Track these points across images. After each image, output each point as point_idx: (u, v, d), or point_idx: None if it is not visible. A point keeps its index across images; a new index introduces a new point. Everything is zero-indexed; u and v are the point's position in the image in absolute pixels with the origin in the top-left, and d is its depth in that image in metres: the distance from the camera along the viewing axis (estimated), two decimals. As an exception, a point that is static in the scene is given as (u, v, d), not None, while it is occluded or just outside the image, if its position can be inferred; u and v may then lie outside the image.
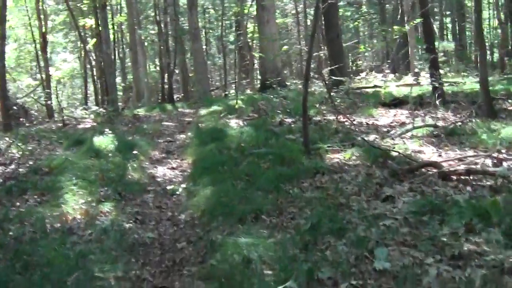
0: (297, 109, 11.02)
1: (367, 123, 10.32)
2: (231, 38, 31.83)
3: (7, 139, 9.94)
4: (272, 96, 14.75)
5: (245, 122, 10.94)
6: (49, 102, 21.06)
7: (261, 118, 11.28)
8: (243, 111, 12.26)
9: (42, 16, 21.52)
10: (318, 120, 10.71)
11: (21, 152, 8.51)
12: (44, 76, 22.04)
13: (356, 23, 32.66)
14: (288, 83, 20.90)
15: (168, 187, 7.09)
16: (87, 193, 6.21)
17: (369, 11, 34.02)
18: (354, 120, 10.44)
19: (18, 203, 5.81)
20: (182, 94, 24.47)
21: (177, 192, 6.83)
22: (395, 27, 15.41)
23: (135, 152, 8.58)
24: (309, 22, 28.92)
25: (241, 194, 5.79)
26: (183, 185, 7.07)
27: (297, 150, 7.55)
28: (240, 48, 29.63)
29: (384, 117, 11.22)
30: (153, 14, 25.73)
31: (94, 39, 18.94)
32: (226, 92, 26.63)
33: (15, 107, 19.95)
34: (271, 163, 7.02)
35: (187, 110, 16.98)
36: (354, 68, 29.39)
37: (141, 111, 17.72)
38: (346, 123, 10.16)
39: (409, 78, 17.90)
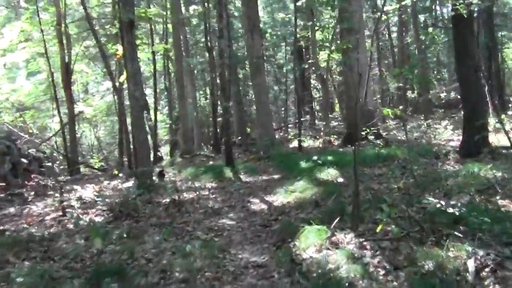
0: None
1: None
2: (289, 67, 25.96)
3: None
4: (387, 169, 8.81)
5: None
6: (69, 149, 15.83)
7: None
8: (361, 216, 6.38)
9: (64, 41, 16.33)
10: None
11: None
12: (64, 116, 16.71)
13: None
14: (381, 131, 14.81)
15: None
16: None
17: None
18: None
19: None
20: (239, 138, 18.94)
21: None
22: None
23: None
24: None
25: None
26: None
27: None
28: (303, 79, 23.88)
29: None
30: (203, 39, 20.44)
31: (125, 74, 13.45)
32: (291, 136, 20.81)
33: (25, 160, 14.72)
34: None
35: (253, 178, 11.19)
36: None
37: (186, 175, 12.05)
38: None
39: None
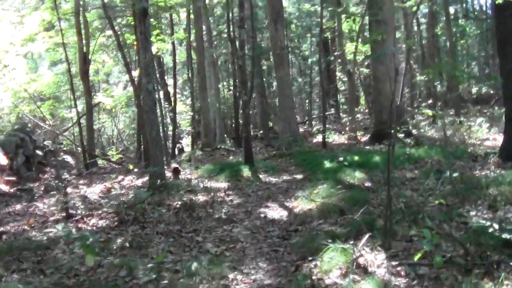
0: None
1: None
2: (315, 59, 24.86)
3: None
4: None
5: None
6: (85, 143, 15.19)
7: None
8: (392, 231, 5.51)
9: (83, 31, 15.63)
10: None
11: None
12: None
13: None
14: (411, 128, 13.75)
15: None
16: None
17: None
18: None
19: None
20: (261, 132, 18.10)
21: None
22: None
23: None
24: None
25: None
26: None
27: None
28: (328, 71, 22.87)
29: None
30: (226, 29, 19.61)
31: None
32: (315, 131, 19.88)
33: (40, 153, 14.17)
34: None
35: (273, 177, 10.35)
36: None
37: (203, 172, 11.28)
38: None
39: None
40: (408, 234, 5.56)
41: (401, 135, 11.73)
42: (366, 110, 26.48)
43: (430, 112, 5.55)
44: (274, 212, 7.52)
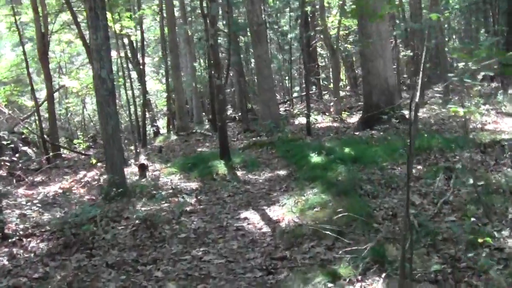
0: None
1: None
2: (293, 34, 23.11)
3: None
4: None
5: None
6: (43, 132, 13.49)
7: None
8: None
9: (40, 9, 13.76)
10: None
11: None
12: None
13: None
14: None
15: None
16: None
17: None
18: None
19: None
20: (239, 114, 16.45)
21: None
22: None
23: None
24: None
25: None
26: None
27: None
28: (309, 48, 21.23)
29: None
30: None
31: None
32: (297, 112, 18.36)
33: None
34: None
35: (252, 175, 8.85)
36: None
37: (174, 168, 9.74)
38: None
39: None
40: (430, 269, 4.17)
41: (395, 121, 10.32)
42: (348, 87, 25.05)
43: (461, 111, 4.05)
44: (255, 226, 6.04)
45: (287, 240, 5.40)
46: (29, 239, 6.04)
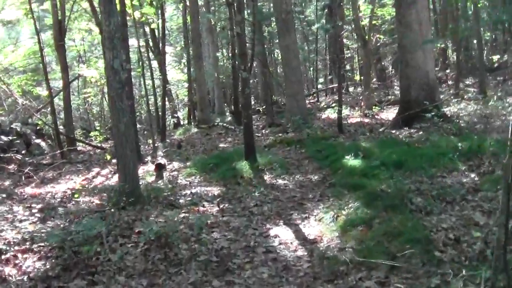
0: None
1: None
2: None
3: None
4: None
5: None
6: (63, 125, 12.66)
7: None
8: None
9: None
10: None
11: None
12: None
13: None
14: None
15: None
16: None
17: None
18: None
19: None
20: (263, 107, 15.44)
21: None
22: None
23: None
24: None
25: None
26: None
27: None
28: (337, 38, 20.04)
29: None
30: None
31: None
32: (323, 105, 17.27)
33: (5, 138, 11.64)
34: None
35: (281, 178, 7.84)
36: None
37: (193, 169, 8.78)
38: None
39: None
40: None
41: (437, 119, 9.20)
42: (374, 80, 23.80)
43: None
44: (288, 248, 5.05)
45: (328, 268, 4.41)
46: (24, 256, 5.16)
